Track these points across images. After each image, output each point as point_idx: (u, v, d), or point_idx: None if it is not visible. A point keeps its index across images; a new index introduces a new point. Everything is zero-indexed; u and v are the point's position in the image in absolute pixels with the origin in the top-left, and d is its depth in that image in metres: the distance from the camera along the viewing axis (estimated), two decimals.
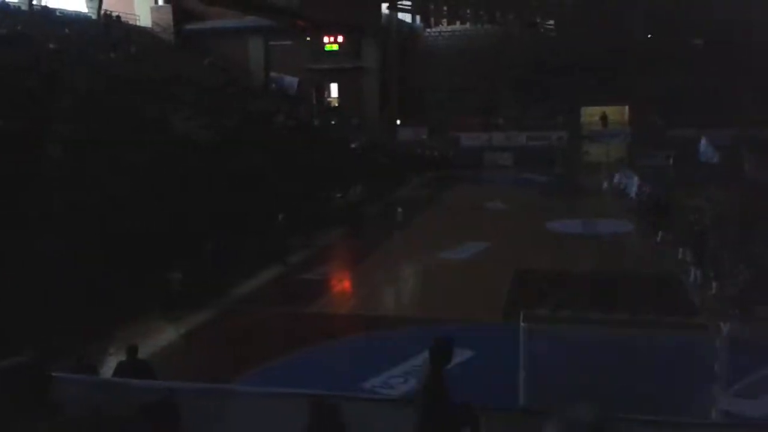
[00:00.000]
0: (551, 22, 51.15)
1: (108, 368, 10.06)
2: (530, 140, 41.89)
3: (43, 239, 13.46)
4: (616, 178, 30.61)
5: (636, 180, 27.70)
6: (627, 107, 44.32)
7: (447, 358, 5.96)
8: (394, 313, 16.20)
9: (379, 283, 18.75)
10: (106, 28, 33.11)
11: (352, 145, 37.00)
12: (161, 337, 13.88)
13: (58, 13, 32.73)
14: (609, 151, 39.23)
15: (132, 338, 10.45)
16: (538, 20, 51.02)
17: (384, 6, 46.05)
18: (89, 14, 34.81)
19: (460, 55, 46.64)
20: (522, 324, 9.43)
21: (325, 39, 43.51)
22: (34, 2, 30.41)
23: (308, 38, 43.64)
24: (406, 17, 50.93)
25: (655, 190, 24.92)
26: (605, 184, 31.72)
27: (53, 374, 3.95)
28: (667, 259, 19.21)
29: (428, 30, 52.29)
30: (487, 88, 43.60)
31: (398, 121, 44.46)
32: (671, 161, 33.61)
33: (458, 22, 53.17)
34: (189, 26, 41.34)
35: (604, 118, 43.95)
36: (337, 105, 46.13)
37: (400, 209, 26.90)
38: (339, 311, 16.35)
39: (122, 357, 9.21)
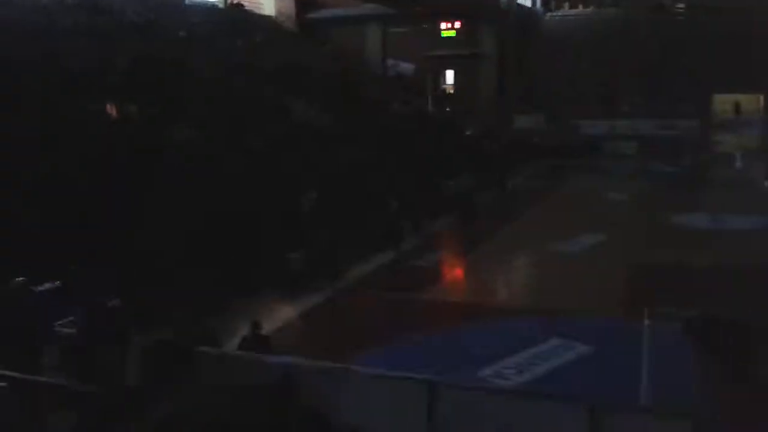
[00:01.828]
0: (681, 4, 48.33)
1: (233, 343, 10.51)
2: (657, 128, 39.82)
3: (172, 219, 14.23)
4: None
5: None
6: (762, 96, 41.29)
7: None
8: (507, 303, 15.96)
9: (491, 273, 18.53)
10: (231, 17, 34.47)
11: (467, 133, 36.70)
12: (279, 316, 14.38)
13: (187, 2, 34.35)
14: (741, 142, 36.77)
15: (254, 315, 10.87)
16: (667, 3, 48.34)
17: None
18: (216, 3, 36.37)
19: (583, 40, 45.02)
20: (646, 321, 9.06)
21: (442, 25, 43.26)
22: None
23: (425, 25, 43.57)
24: (525, 1, 49.71)
25: None
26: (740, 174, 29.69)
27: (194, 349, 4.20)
28: None
29: (549, 14, 50.80)
30: (611, 75, 41.91)
31: (515, 109, 43.60)
32: None
33: (581, 6, 51.28)
34: (310, 15, 42.34)
35: (737, 106, 41.19)
36: (452, 92, 45.84)
37: (514, 198, 26.43)
38: (450, 299, 16.30)
39: (245, 332, 9.64)
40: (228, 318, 12.69)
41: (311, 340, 13.13)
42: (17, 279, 8.52)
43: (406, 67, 44.01)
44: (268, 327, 12.43)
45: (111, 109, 17.90)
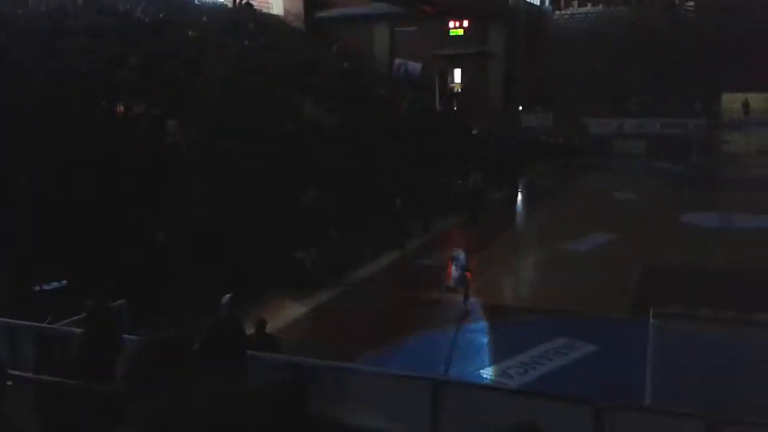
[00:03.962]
0: (691, 2, 48.09)
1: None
2: (665, 127, 39.64)
3: (181, 218, 14.35)
4: None
5: None
6: None
7: None
8: (515, 302, 16.00)
9: (500, 272, 18.55)
10: (240, 17, 34.56)
11: (474, 131, 36.68)
12: (286, 314, 14.47)
13: (197, 2, 34.46)
14: (751, 141, 36.59)
15: (261, 313, 10.94)
16: (676, 1, 48.11)
17: None
18: (225, 2, 36.47)
19: (592, 38, 44.86)
20: (652, 320, 9.08)
21: (450, 24, 43.22)
22: None
23: (433, 24, 43.54)
24: (534, 0, 49.60)
25: None
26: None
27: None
28: None
29: (558, 12, 50.64)
30: (620, 73, 41.76)
31: (523, 107, 43.55)
32: None
33: (590, 4, 51.10)
34: (318, 14, 42.40)
35: (746, 105, 40.92)
36: (460, 91, 45.81)
37: (523, 197, 26.40)
38: (457, 298, 16.33)
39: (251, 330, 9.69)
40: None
41: (318, 338, 13.19)
42: None
43: (414, 66, 44.00)
44: (274, 325, 12.52)
45: (120, 109, 18.05)
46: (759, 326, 9.79)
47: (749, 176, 30.45)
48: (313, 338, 13.25)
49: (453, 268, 15.20)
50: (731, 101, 41.53)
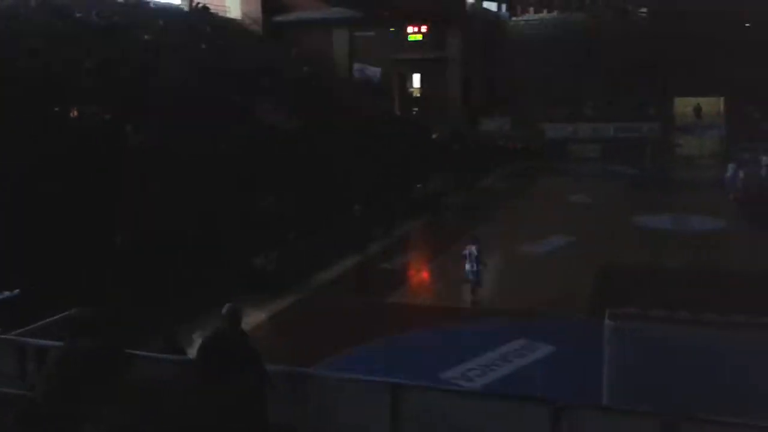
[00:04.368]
0: (644, 9, 49.21)
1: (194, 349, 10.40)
2: (619, 131, 40.50)
3: (134, 227, 14.06)
4: (729, 170, 28.82)
5: (740, 174, 26.46)
6: (722, 99, 42.20)
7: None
8: (474, 305, 16.04)
9: (459, 274, 18.59)
10: (196, 20, 34.11)
11: (434, 136, 36.85)
12: (245, 321, 14.25)
13: (151, 5, 33.91)
14: (703, 144, 37.54)
15: (218, 321, 10.75)
16: (630, 8, 49.17)
17: None
18: (181, 6, 35.96)
19: (547, 44, 45.56)
20: (607, 321, 9.19)
21: (409, 29, 43.41)
22: None
23: (392, 29, 43.65)
24: (491, 6, 50.19)
25: (757, 185, 23.82)
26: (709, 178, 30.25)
27: (138, 353, 4.12)
28: (766, 257, 18.28)
29: (514, 19, 51.35)
30: (575, 78, 42.48)
31: (481, 112, 43.94)
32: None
33: (545, 11, 51.93)
34: (277, 17, 42.11)
35: (698, 109, 42.03)
36: (419, 95, 46.01)
37: (482, 200, 26.61)
38: (417, 302, 16.36)
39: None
40: (193, 324, 12.55)
41: (277, 345, 13.04)
42: None
43: (374, 70, 44.04)
44: None
45: (73, 113, 17.64)
46: (711, 325, 9.98)
47: (702, 178, 31.21)
48: (272, 345, 13.08)
49: (467, 263, 15.23)
50: (684, 105, 42.62)
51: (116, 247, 13.37)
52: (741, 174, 27.09)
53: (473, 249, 15.31)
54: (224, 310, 6.40)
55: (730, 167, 28.49)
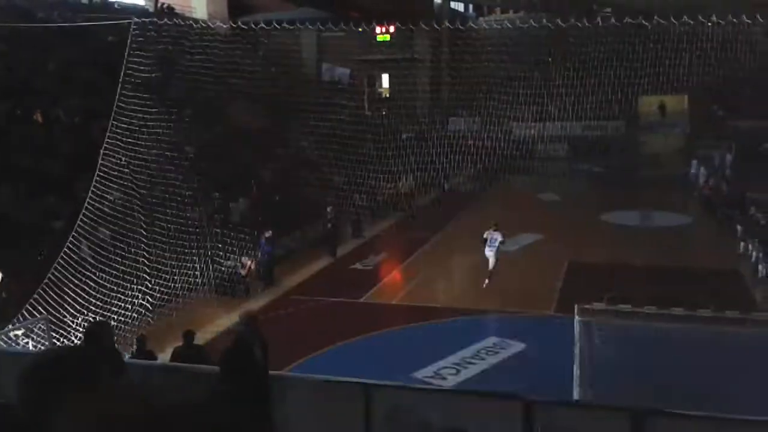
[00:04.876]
0: (608, 9, 49.89)
1: (167, 354, 10.29)
2: (586, 130, 40.97)
3: (106, 225, 13.86)
4: (693, 167, 29.45)
5: (705, 171, 27.04)
6: (686, 97, 42.94)
7: None
8: (445, 304, 16.11)
9: (430, 274, 18.70)
10: (162, 20, 33.72)
11: (404, 136, 36.90)
12: (217, 324, 14.17)
13: (116, 6, 33.47)
14: (667, 142, 38.16)
15: (189, 324, 10.68)
16: (595, 7, 49.82)
17: None
18: (146, 6, 35.57)
19: (514, 43, 45.92)
20: (576, 317, 9.30)
21: (377, 29, 43.44)
22: None
23: (360, 29, 43.61)
24: (458, 6, 50.46)
25: (721, 182, 24.32)
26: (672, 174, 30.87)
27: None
28: (729, 253, 18.70)
29: (481, 18, 51.69)
30: (541, 78, 42.84)
31: (450, 111, 44.15)
32: (732, 152, 32.56)
33: (512, 11, 52.37)
34: (243, 18, 41.82)
35: (662, 107, 42.70)
36: (388, 95, 46.09)
37: (453, 199, 26.74)
38: (389, 301, 16.38)
39: (179, 343, 9.43)
40: (164, 325, 12.44)
41: None
42: None
43: (343, 71, 44.03)
44: (204, 336, 12.25)
45: (37, 115, 17.34)
46: (677, 319, 10.17)
47: (667, 175, 31.71)
48: None
49: (487, 247, 16.03)
50: (648, 104, 43.23)
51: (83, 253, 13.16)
52: (703, 170, 27.69)
53: (497, 235, 16.00)
54: (240, 317, 6.33)
55: (694, 164, 29.10)
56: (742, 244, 18.49)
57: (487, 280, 16.03)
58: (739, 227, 19.43)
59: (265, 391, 5.97)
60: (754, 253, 17.23)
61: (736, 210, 20.42)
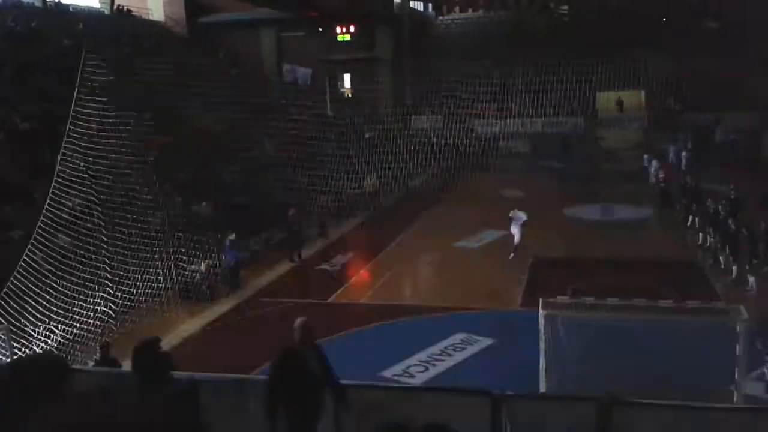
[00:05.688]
0: (565, 7, 50.60)
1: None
2: (546, 127, 41.52)
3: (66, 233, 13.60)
4: (645, 161, 30.16)
5: (657, 165, 27.65)
6: (643, 92, 43.77)
7: None
8: (412, 302, 16.19)
9: (396, 273, 18.72)
10: (119, 23, 33.21)
11: (366, 135, 36.91)
12: (182, 329, 14.01)
13: (71, 9, 32.83)
14: (625, 137, 38.84)
15: (154, 331, 10.53)
16: (552, 5, 50.47)
17: None
18: (102, 9, 34.93)
19: (474, 42, 46.32)
20: (541, 311, 9.41)
21: (338, 29, 43.36)
22: None
23: (320, 29, 43.51)
24: (418, 6, 50.63)
25: (678, 175, 24.86)
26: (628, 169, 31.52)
27: (74, 367, 3.97)
28: (688, 244, 19.13)
29: (441, 18, 51.96)
30: (501, 75, 43.23)
31: (412, 110, 44.26)
32: (688, 146, 33.29)
33: (470, 10, 52.75)
34: (201, 19, 41.37)
35: (620, 103, 43.48)
36: (350, 95, 46.03)
37: (417, 197, 26.83)
38: (356, 301, 16.37)
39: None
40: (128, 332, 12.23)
41: (213, 353, 12.83)
42: None
43: (304, 71, 43.80)
44: (170, 341, 12.09)
45: None
46: (640, 311, 10.36)
47: (625, 170, 32.24)
48: (209, 353, 12.87)
49: (512, 224, 18.14)
50: (606, 100, 43.95)
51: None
52: (655, 164, 28.35)
53: (521, 214, 18.18)
54: (296, 325, 6.23)
55: (646, 158, 29.75)
56: (700, 235, 18.91)
57: (512, 254, 17.77)
58: (697, 219, 19.86)
59: (317, 402, 5.90)
60: (712, 244, 17.65)
61: (693, 202, 20.86)
